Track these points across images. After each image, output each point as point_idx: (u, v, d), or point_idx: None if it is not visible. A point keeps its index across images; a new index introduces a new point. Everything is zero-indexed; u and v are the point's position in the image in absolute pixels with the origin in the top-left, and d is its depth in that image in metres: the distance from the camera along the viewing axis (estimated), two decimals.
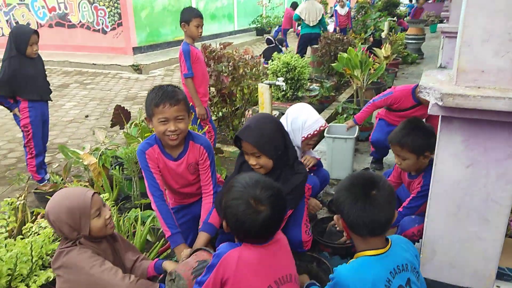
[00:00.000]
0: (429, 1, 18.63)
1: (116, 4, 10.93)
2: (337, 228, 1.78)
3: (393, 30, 9.69)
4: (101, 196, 2.70)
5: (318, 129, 2.53)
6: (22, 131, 3.74)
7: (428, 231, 1.93)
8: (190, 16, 3.71)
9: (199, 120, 3.96)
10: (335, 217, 1.67)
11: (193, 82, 3.83)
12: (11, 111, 3.71)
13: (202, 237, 2.13)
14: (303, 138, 2.56)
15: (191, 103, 4.02)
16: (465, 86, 1.64)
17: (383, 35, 9.17)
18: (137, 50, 11.24)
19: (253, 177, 1.56)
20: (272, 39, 9.05)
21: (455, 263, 1.93)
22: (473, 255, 1.88)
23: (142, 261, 1.98)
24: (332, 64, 5.49)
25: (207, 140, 2.30)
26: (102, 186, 3.28)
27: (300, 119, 2.54)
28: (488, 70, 1.60)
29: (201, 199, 2.42)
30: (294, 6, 11.43)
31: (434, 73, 1.91)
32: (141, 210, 2.84)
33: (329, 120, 5.21)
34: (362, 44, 7.38)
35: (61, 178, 3.46)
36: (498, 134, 1.66)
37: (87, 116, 6.41)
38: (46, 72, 3.88)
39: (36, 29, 3.61)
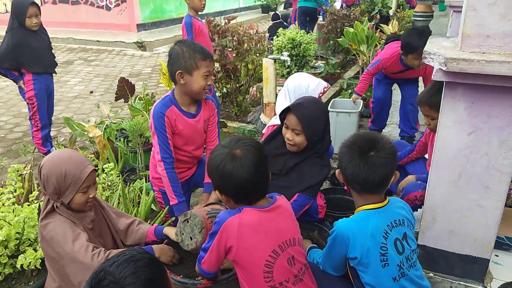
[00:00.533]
0: None
1: None
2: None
3: (401, 7, 9.52)
4: (106, 165, 2.76)
5: (322, 91, 2.57)
6: (27, 103, 3.77)
7: (429, 199, 1.95)
8: None
9: None
10: (336, 171, 1.72)
11: None
12: (16, 83, 3.73)
13: (213, 195, 2.17)
14: None
15: None
16: (469, 51, 1.63)
17: (390, 12, 9.02)
18: (141, 27, 11.13)
19: (228, 139, 1.60)
20: (278, 14, 8.92)
21: (455, 231, 1.95)
22: (473, 223, 1.90)
23: (140, 225, 1.96)
24: (338, 39, 5.43)
25: (212, 97, 2.36)
26: (107, 158, 3.32)
27: (303, 85, 2.55)
28: (494, 35, 1.59)
29: (196, 170, 2.48)
30: None
31: (439, 40, 1.89)
32: (145, 182, 2.88)
33: (334, 96, 5.18)
34: (369, 21, 7.27)
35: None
36: (501, 101, 1.66)
37: (91, 92, 6.42)
38: (51, 45, 3.88)
39: (37, 3, 3.58)
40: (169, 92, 2.26)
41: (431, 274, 2.06)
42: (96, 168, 2.93)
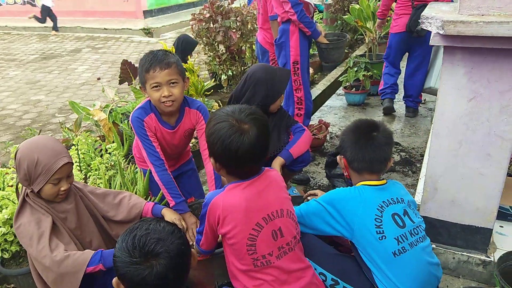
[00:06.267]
0: None
1: None
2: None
3: None
4: (109, 146, 2.78)
5: None
6: None
7: (430, 169, 1.92)
8: None
9: None
10: (338, 157, 1.79)
11: None
12: None
13: None
14: None
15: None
16: (468, 14, 1.58)
17: None
18: (147, 13, 11.13)
19: (232, 106, 1.52)
20: None
21: (456, 201, 1.92)
22: (474, 192, 1.86)
23: (133, 199, 1.93)
24: (344, 17, 5.33)
25: (203, 104, 2.22)
26: (113, 141, 3.34)
27: None
28: None
29: (188, 169, 2.50)
30: None
31: (438, 5, 1.84)
32: None
33: (340, 76, 5.11)
34: None
35: (73, 133, 3.53)
36: (502, 64, 1.61)
37: (99, 79, 6.46)
38: None
39: None
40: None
41: (434, 246, 2.03)
42: (100, 148, 2.97)
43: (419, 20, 3.50)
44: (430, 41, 1.64)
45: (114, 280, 1.20)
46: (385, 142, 1.66)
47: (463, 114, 1.75)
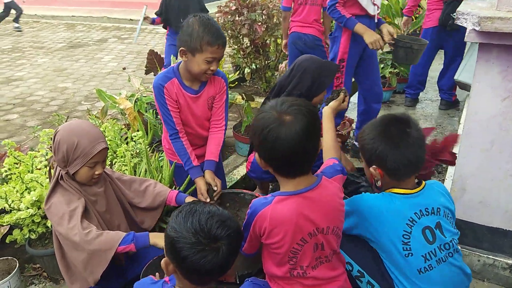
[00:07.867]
0: None
1: None
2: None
3: None
4: (135, 134, 2.82)
5: None
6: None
7: (459, 169, 1.88)
8: None
9: None
10: (370, 169, 1.57)
11: None
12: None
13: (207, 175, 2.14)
14: None
15: None
16: (507, 10, 1.53)
17: None
18: None
19: (279, 99, 1.43)
20: None
21: (484, 202, 1.87)
22: (505, 194, 1.82)
23: (158, 187, 1.96)
24: None
25: (224, 73, 2.23)
26: (137, 130, 3.39)
27: None
28: None
29: None
30: None
31: (474, 1, 1.79)
32: None
33: None
34: None
35: (100, 120, 3.59)
36: None
37: (124, 69, 6.54)
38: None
39: None
40: (175, 63, 2.13)
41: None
42: (125, 136, 3.02)
43: (451, 14, 3.52)
44: (465, 38, 1.60)
45: (163, 260, 1.21)
46: (421, 136, 1.50)
47: (496, 114, 1.70)
